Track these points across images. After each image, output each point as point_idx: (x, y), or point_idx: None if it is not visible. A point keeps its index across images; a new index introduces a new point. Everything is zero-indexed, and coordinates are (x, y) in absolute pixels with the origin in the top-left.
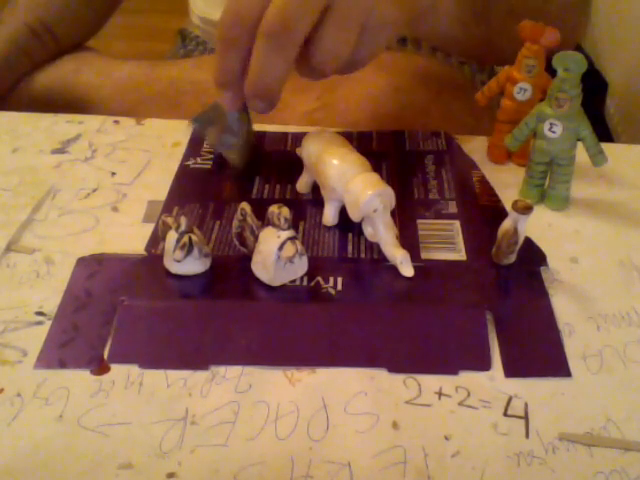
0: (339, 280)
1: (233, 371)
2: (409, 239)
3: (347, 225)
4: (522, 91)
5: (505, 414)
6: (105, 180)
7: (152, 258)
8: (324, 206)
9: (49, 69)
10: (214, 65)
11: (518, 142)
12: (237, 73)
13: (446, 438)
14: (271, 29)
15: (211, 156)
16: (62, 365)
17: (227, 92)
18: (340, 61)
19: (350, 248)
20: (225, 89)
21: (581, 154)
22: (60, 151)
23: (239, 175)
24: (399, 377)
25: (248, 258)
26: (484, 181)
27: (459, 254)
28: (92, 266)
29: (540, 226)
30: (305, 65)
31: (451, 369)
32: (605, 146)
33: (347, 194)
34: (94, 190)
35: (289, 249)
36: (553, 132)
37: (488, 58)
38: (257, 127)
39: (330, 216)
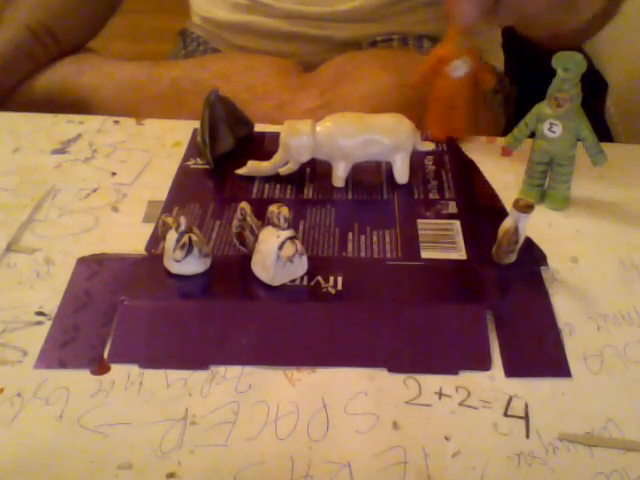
0: (339, 279)
1: (233, 371)
2: (409, 239)
3: (347, 225)
4: (459, 67)
5: (505, 414)
6: (105, 180)
7: (152, 258)
8: (332, 169)
9: (50, 71)
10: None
11: (518, 142)
12: None
13: (446, 438)
14: None
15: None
16: (62, 365)
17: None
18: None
19: (350, 247)
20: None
21: (581, 154)
22: (60, 151)
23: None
24: (399, 377)
25: (248, 258)
26: (484, 181)
27: (459, 254)
28: (92, 266)
29: (540, 226)
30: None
31: (451, 369)
32: (605, 146)
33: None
34: (94, 190)
35: (289, 249)
36: (553, 132)
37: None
38: (259, 127)
39: (340, 175)
